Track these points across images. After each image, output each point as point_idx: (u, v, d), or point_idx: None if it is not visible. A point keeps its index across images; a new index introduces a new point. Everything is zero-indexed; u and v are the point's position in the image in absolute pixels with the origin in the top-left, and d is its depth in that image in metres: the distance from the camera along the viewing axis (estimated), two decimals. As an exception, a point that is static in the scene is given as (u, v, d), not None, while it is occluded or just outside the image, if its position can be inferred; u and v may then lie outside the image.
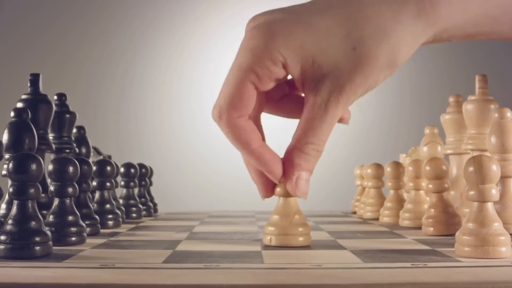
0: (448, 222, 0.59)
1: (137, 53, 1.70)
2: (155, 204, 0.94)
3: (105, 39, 1.73)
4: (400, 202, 0.74)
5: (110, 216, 0.67)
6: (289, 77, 0.46)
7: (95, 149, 0.87)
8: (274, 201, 0.53)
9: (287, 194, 0.49)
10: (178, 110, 1.74)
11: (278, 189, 0.50)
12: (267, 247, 0.50)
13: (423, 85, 1.79)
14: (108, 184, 0.67)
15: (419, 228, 0.65)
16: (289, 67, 0.43)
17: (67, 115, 0.74)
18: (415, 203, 0.68)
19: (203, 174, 1.56)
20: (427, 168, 0.62)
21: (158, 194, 1.02)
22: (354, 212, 0.94)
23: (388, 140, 1.69)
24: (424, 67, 1.80)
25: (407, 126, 1.70)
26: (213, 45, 1.75)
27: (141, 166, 0.87)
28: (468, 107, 0.67)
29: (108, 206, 0.67)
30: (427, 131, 0.83)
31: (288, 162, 0.46)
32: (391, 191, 0.75)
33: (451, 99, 0.75)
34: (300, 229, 0.50)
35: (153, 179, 0.97)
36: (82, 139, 0.81)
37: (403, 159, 0.93)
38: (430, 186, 0.61)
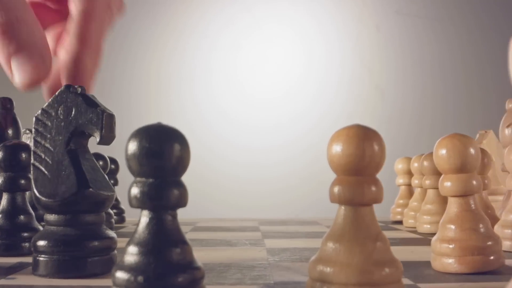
0: None
1: (121, 27, 1.45)
2: (121, 211, 0.68)
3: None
4: (485, 210, 0.48)
5: (25, 234, 0.41)
6: None
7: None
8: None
9: (356, 200, 0.25)
10: (166, 94, 1.48)
11: (336, 188, 0.25)
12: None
13: (471, 41, 1.50)
14: (23, 182, 0.41)
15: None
16: None
17: (-27, 77, 0.48)
18: (524, 212, 0.42)
19: (192, 171, 1.28)
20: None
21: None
22: (398, 222, 0.68)
23: (417, 128, 1.44)
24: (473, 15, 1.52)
25: (445, 106, 1.44)
26: (208, 20, 1.50)
27: (98, 157, 0.61)
28: None
29: (22, 217, 0.41)
30: (510, 105, 0.57)
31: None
32: (471, 193, 0.48)
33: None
34: (386, 269, 0.24)
35: (120, 176, 0.71)
36: (6, 117, 0.55)
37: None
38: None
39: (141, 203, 0.24)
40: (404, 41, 1.52)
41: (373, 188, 0.25)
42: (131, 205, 0.25)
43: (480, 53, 1.52)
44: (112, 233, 0.34)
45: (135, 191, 0.24)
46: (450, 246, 0.33)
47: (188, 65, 1.49)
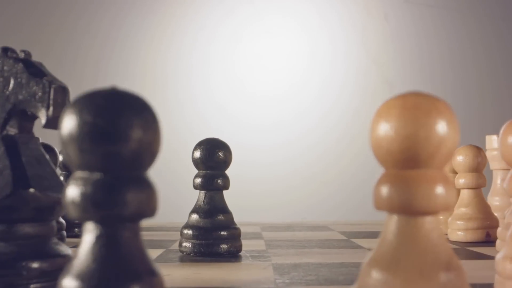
0: None
1: (115, 17, 1.36)
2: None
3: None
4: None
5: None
6: None
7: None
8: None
9: (417, 206, 0.16)
10: (162, 88, 1.40)
11: (384, 189, 0.16)
12: None
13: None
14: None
15: None
16: None
17: None
18: None
19: (189, 170, 1.19)
20: None
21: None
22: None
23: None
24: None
25: (455, 99, 1.35)
26: (208, 9, 1.41)
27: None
28: None
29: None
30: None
31: None
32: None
33: None
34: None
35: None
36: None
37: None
38: None
39: (82, 211, 0.15)
40: (412, 31, 1.44)
41: (443, 189, 0.17)
42: (68, 215, 0.16)
43: (492, 44, 1.43)
44: (65, 249, 0.25)
45: (73, 192, 0.15)
46: (525, 267, 0.24)
47: (185, 58, 1.41)
